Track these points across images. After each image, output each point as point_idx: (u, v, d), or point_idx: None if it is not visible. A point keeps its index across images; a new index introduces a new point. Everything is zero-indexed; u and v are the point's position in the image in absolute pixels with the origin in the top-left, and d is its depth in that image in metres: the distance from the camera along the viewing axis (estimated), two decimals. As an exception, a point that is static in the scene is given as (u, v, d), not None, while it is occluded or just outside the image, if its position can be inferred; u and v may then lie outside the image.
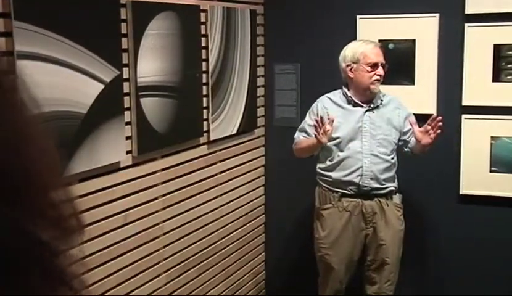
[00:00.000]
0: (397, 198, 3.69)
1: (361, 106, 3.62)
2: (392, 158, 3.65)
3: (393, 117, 3.64)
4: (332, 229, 3.67)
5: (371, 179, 3.59)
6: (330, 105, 3.66)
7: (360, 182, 3.59)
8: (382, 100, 3.65)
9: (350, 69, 3.59)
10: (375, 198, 3.62)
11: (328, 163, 3.66)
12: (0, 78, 0.63)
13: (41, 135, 0.65)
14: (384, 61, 3.57)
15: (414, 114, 3.77)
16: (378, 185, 3.60)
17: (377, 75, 3.55)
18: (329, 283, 3.75)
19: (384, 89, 3.69)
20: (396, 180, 3.69)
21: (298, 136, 3.73)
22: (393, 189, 3.67)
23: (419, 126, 3.57)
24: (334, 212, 3.65)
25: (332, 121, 3.47)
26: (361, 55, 3.56)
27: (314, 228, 3.78)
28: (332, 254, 3.69)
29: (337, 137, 3.60)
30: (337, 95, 3.69)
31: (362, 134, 3.59)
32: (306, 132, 3.70)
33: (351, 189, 3.62)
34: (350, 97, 3.63)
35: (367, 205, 3.62)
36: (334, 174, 3.64)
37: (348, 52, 3.60)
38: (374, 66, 3.55)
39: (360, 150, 3.59)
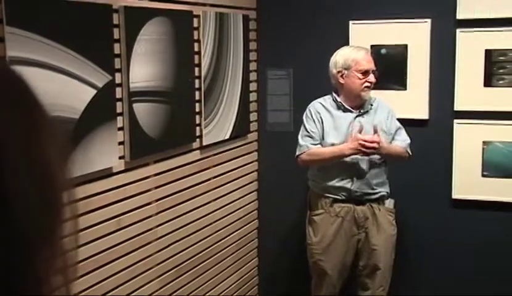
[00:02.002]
0: (389, 203, 3.70)
1: (351, 111, 3.63)
2: (383, 163, 3.66)
3: (382, 121, 3.65)
4: (324, 235, 3.67)
5: (363, 184, 3.60)
6: (321, 110, 3.67)
7: (352, 188, 3.59)
8: (371, 105, 3.66)
9: (341, 76, 3.59)
10: (367, 203, 3.63)
11: (320, 168, 3.67)
12: (15, 78, 0.63)
13: (58, 135, 0.65)
14: (374, 68, 3.59)
15: (406, 119, 3.79)
16: (370, 191, 3.61)
17: (368, 82, 3.56)
18: (323, 289, 3.76)
19: (376, 94, 3.71)
20: (387, 185, 3.70)
21: (307, 145, 3.64)
22: (385, 193, 3.67)
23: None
24: (326, 217, 3.66)
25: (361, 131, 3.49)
26: (353, 62, 3.56)
27: (306, 234, 3.78)
28: (325, 259, 3.70)
29: (329, 143, 3.60)
30: (327, 100, 3.70)
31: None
32: (313, 138, 3.65)
33: (343, 195, 3.62)
34: (340, 102, 3.64)
35: (359, 210, 3.62)
36: (326, 180, 3.65)
37: (339, 58, 3.61)
38: (366, 73, 3.56)
39: (353, 156, 3.59)
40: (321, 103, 3.69)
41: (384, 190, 3.67)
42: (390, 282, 3.72)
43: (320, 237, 3.69)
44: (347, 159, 3.57)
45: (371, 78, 3.56)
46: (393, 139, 3.67)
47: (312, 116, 3.67)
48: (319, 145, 3.65)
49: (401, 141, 3.66)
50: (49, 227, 0.61)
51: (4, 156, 0.58)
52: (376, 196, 3.64)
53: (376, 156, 3.61)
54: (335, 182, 3.62)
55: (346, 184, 3.60)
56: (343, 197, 3.62)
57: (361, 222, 3.63)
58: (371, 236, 3.64)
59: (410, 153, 3.67)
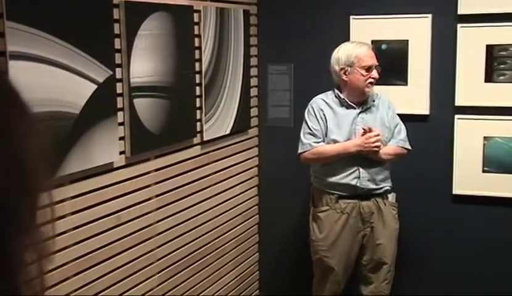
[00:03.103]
0: (392, 197, 3.70)
1: (354, 108, 3.61)
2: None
3: (384, 117, 3.64)
4: (329, 231, 3.65)
5: (368, 180, 3.59)
6: (324, 107, 3.65)
7: (358, 184, 3.58)
8: (374, 101, 3.64)
9: (344, 73, 3.56)
10: (372, 199, 3.62)
11: (323, 165, 3.66)
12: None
13: (37, 135, 0.66)
14: (377, 64, 3.58)
15: (407, 114, 3.78)
16: (374, 186, 3.60)
17: (372, 78, 3.55)
18: (327, 285, 3.73)
19: (377, 89, 3.69)
20: (390, 179, 3.70)
21: (310, 143, 3.62)
22: (389, 188, 3.67)
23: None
24: (331, 214, 3.64)
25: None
26: (356, 59, 3.54)
27: (310, 230, 3.76)
28: (330, 256, 3.68)
29: (332, 140, 3.60)
30: (329, 96, 3.68)
31: (356, 136, 3.58)
32: (315, 136, 3.63)
33: (349, 191, 3.61)
34: (344, 99, 3.62)
35: (364, 205, 3.61)
36: (331, 177, 3.62)
37: (342, 54, 3.57)
38: (369, 69, 3.54)
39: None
40: (323, 100, 3.67)
41: (387, 184, 3.67)
42: (393, 276, 3.71)
43: (325, 233, 3.66)
44: (351, 156, 3.56)
45: (374, 73, 3.55)
46: (392, 135, 3.66)
47: (315, 113, 3.64)
48: (321, 143, 3.63)
49: (399, 140, 3.66)
50: (24, 217, 0.62)
51: None
52: (381, 191, 3.64)
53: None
54: (340, 179, 3.60)
55: (351, 180, 3.59)
56: (349, 193, 3.61)
57: (367, 217, 3.63)
58: (376, 231, 3.63)
59: (409, 148, 3.67)
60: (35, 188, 0.63)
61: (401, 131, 3.67)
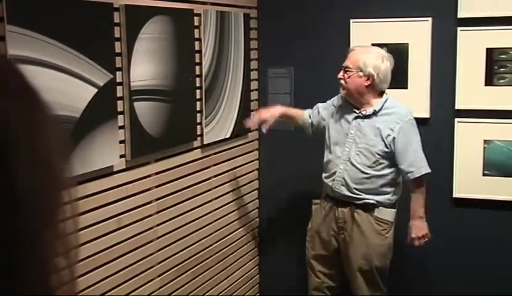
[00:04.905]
0: (380, 212, 3.53)
1: (354, 112, 3.58)
2: (375, 170, 3.50)
3: (383, 129, 3.47)
4: (313, 223, 3.77)
5: (342, 185, 3.55)
6: (337, 104, 3.67)
7: (332, 186, 3.60)
8: (378, 110, 3.49)
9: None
10: (349, 207, 3.56)
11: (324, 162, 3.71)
12: (19, 77, 0.65)
13: (58, 134, 0.68)
14: (345, 65, 3.51)
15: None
16: (349, 194, 3.54)
17: (338, 78, 3.55)
18: (310, 279, 3.82)
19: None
20: (385, 195, 3.53)
21: (311, 108, 3.81)
22: (374, 202, 3.52)
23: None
24: (319, 208, 3.73)
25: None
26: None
27: None
28: (310, 247, 3.80)
29: (328, 137, 3.64)
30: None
31: (347, 140, 3.56)
32: (313, 108, 3.78)
33: (328, 191, 3.65)
34: (348, 101, 3.59)
35: (340, 211, 3.60)
36: (323, 174, 3.69)
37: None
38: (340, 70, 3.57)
39: (340, 155, 3.57)
40: (342, 97, 3.63)
41: (371, 197, 3.51)
42: (382, 282, 3.63)
43: (311, 224, 3.79)
44: (336, 159, 3.57)
45: (339, 74, 3.54)
46: (398, 157, 3.46)
47: (332, 100, 3.70)
48: (307, 111, 3.78)
49: (405, 169, 3.46)
50: (49, 211, 0.64)
51: (12, 143, 0.60)
52: (359, 202, 3.53)
53: (363, 162, 3.51)
54: (324, 177, 3.68)
55: (329, 182, 3.62)
56: (329, 194, 3.65)
57: (341, 223, 3.61)
58: (348, 241, 3.59)
59: (420, 174, 3.46)
60: (59, 181, 0.65)
61: (408, 153, 3.45)
